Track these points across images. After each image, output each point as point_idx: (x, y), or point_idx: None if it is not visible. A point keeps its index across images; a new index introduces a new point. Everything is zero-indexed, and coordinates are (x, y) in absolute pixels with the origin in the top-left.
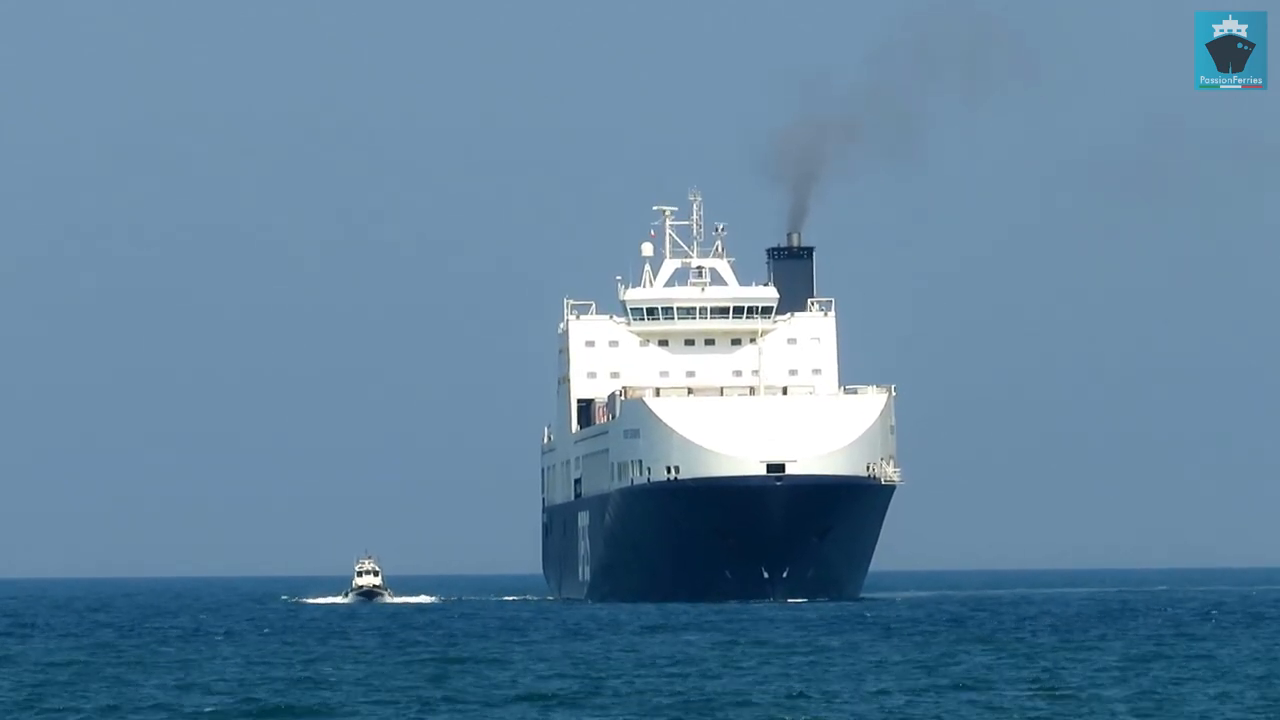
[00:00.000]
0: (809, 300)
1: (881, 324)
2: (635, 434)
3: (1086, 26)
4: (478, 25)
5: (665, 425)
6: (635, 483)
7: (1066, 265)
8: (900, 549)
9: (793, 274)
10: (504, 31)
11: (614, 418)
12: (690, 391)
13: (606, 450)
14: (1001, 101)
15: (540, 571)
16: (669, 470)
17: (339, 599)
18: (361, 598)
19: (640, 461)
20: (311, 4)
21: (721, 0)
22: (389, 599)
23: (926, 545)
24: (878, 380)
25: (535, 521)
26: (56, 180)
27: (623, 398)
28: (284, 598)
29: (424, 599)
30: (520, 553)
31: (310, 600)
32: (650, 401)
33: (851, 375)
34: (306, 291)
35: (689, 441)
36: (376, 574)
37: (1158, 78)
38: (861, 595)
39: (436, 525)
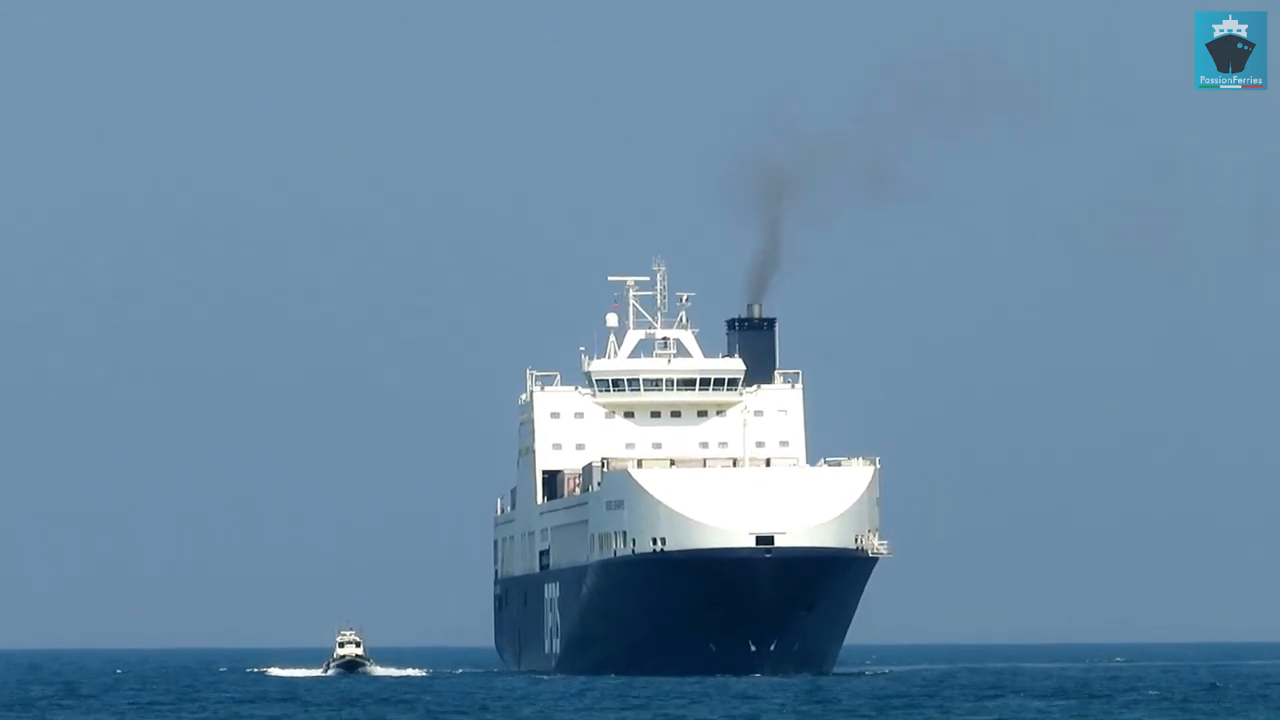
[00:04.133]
0: (774, 372)
1: (849, 396)
2: (619, 505)
3: (1087, 43)
4: (440, 88)
5: (651, 496)
6: (618, 554)
7: (1046, 332)
8: (876, 622)
9: (754, 345)
10: (469, 97)
11: (591, 489)
12: (672, 463)
13: (585, 521)
14: (989, 137)
15: (491, 644)
16: (654, 542)
17: (314, 671)
18: (342, 669)
19: (624, 533)
20: (271, 78)
21: (691, 45)
22: (372, 670)
23: (904, 619)
24: (846, 452)
25: (486, 594)
26: (14, 257)
27: (605, 469)
28: (220, 670)
29: (411, 672)
30: (468, 625)
31: (274, 671)
32: (635, 473)
33: (819, 448)
34: (267, 359)
35: (675, 513)
36: (359, 644)
37: (1158, 81)
38: (835, 670)
39: (390, 598)
